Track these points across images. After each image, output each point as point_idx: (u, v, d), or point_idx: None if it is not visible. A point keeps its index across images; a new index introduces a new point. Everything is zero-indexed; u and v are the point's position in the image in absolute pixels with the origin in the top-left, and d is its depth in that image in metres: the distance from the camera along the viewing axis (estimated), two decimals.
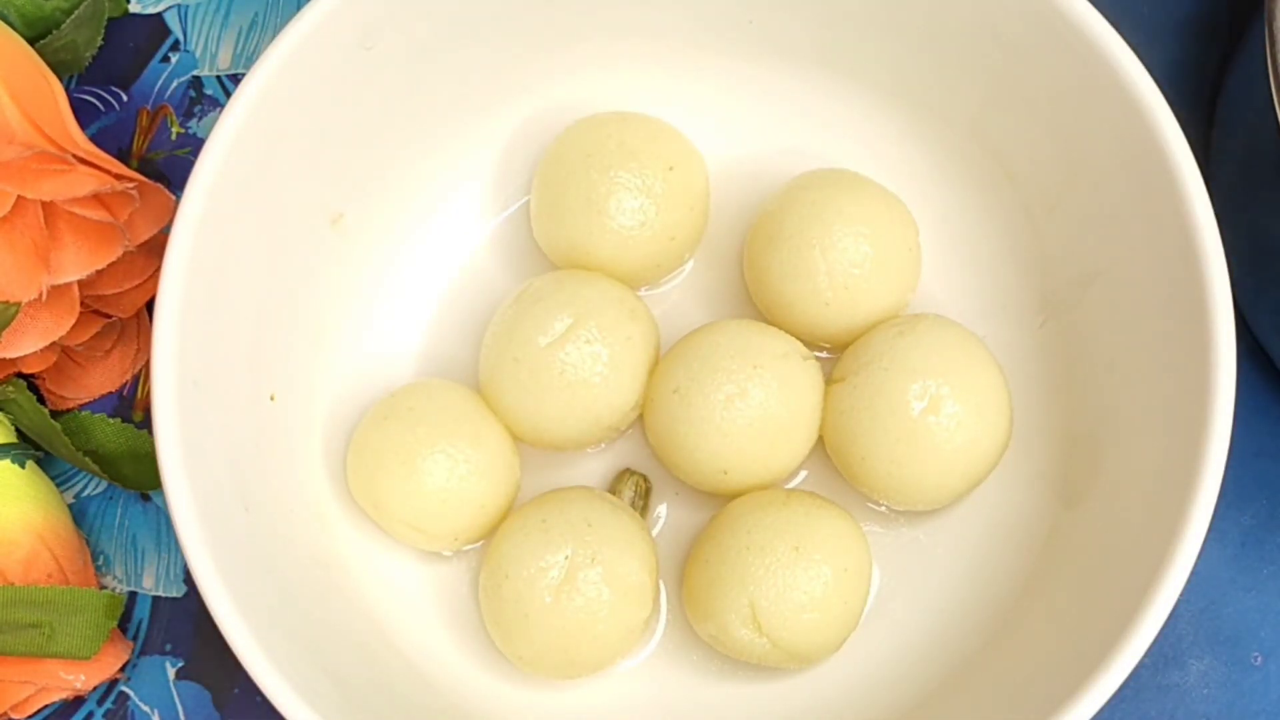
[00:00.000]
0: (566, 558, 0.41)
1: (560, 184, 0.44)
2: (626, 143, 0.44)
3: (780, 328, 0.44)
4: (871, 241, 0.43)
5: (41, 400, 0.46)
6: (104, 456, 0.46)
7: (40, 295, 0.41)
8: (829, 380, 0.43)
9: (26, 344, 0.43)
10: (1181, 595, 0.36)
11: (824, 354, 0.45)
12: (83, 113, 0.50)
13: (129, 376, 0.48)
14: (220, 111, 0.40)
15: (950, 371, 0.42)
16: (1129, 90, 0.40)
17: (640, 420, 0.44)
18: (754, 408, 0.42)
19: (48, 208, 0.41)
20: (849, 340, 0.44)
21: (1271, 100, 0.39)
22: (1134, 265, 0.41)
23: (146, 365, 0.47)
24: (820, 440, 0.44)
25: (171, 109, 0.50)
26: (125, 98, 0.50)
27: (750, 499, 0.43)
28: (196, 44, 0.51)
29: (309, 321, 0.44)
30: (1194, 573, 0.36)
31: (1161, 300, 0.40)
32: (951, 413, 0.41)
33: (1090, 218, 0.43)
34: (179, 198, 0.39)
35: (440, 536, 0.43)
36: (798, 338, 0.44)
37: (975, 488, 0.43)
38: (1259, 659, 0.45)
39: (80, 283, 0.43)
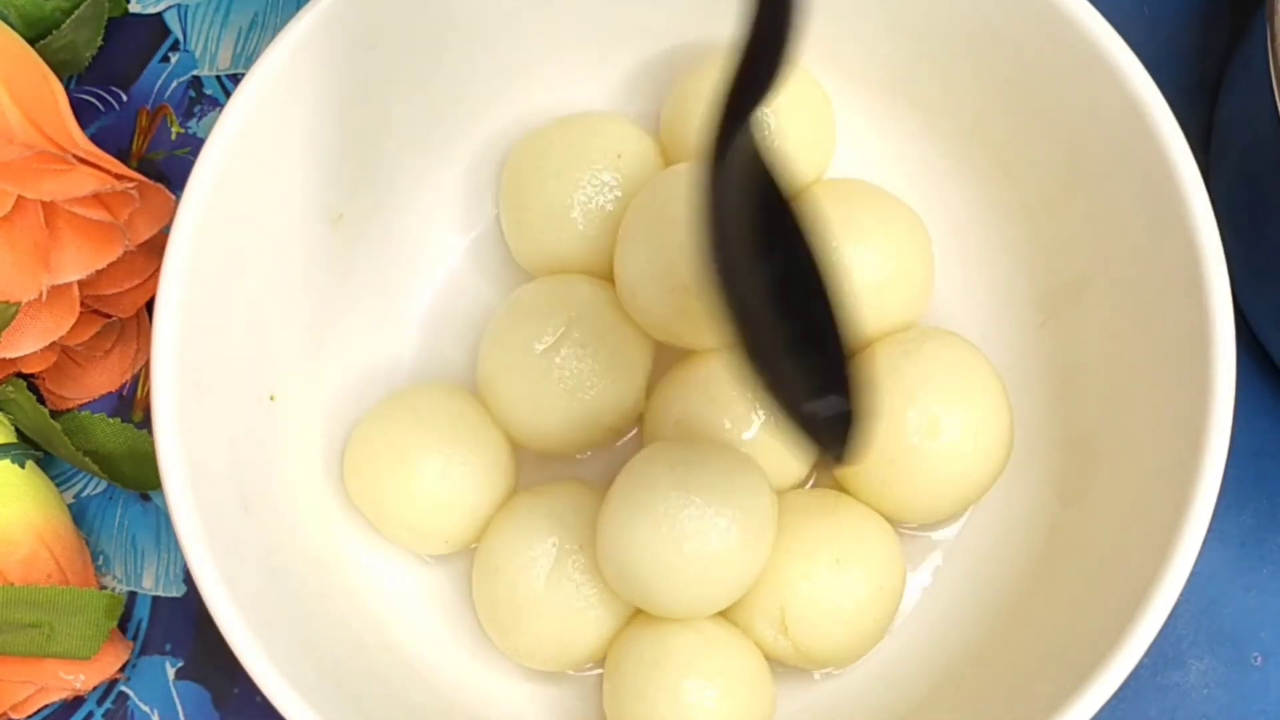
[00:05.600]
0: (554, 544, 0.41)
1: (520, 202, 0.44)
2: (571, 144, 0.44)
3: None
4: (895, 261, 0.43)
5: (41, 400, 0.46)
6: (104, 456, 0.46)
7: (40, 295, 0.41)
8: None
9: (26, 344, 0.43)
10: (1181, 595, 0.36)
11: None
12: (83, 113, 0.50)
13: (129, 376, 0.48)
14: (220, 111, 0.40)
15: (950, 399, 0.41)
16: (1129, 90, 0.40)
17: (640, 432, 0.44)
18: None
19: (48, 208, 0.41)
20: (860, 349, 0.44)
21: (1272, 100, 0.39)
22: (1134, 265, 0.41)
23: (146, 365, 0.47)
24: None
25: (171, 109, 0.50)
26: (125, 98, 0.50)
27: (796, 499, 0.42)
28: (196, 44, 0.51)
29: (309, 321, 0.44)
30: (1194, 573, 0.36)
31: (1161, 300, 0.40)
32: (947, 441, 0.41)
33: (1090, 218, 0.43)
34: (179, 198, 0.39)
35: (430, 536, 0.43)
36: None
37: (968, 509, 0.43)
38: (1259, 659, 0.45)
39: (80, 283, 0.43)
